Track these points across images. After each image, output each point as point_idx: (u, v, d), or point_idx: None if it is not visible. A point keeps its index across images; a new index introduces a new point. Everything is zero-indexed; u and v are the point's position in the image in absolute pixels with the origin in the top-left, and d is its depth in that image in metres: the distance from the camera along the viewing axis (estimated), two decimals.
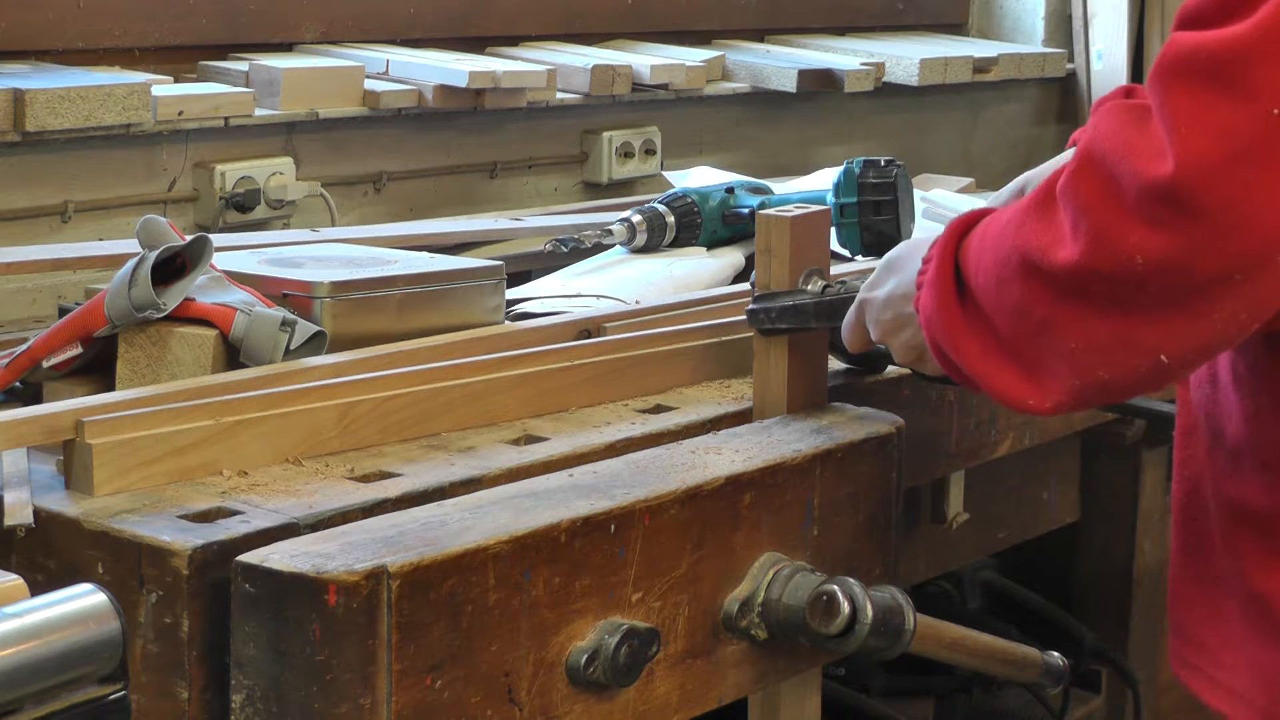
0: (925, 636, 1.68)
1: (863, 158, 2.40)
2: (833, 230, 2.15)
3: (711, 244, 2.38)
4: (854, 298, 1.66)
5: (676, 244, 2.36)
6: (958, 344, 1.43)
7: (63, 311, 1.76)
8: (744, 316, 1.78)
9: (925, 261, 1.48)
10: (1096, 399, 1.38)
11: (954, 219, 1.48)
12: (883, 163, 2.37)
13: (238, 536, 1.37)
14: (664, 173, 2.95)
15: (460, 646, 1.34)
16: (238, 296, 1.73)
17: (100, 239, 2.33)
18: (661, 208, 2.35)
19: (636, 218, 2.33)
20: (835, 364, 1.86)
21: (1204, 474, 1.54)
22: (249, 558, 1.32)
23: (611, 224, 2.33)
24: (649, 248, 2.33)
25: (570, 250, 2.28)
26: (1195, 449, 1.55)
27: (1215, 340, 1.30)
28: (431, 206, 2.75)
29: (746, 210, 2.37)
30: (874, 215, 2.35)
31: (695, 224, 2.36)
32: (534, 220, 2.56)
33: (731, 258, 2.36)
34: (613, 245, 2.33)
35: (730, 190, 2.41)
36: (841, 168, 2.39)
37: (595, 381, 1.78)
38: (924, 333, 1.48)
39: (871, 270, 1.78)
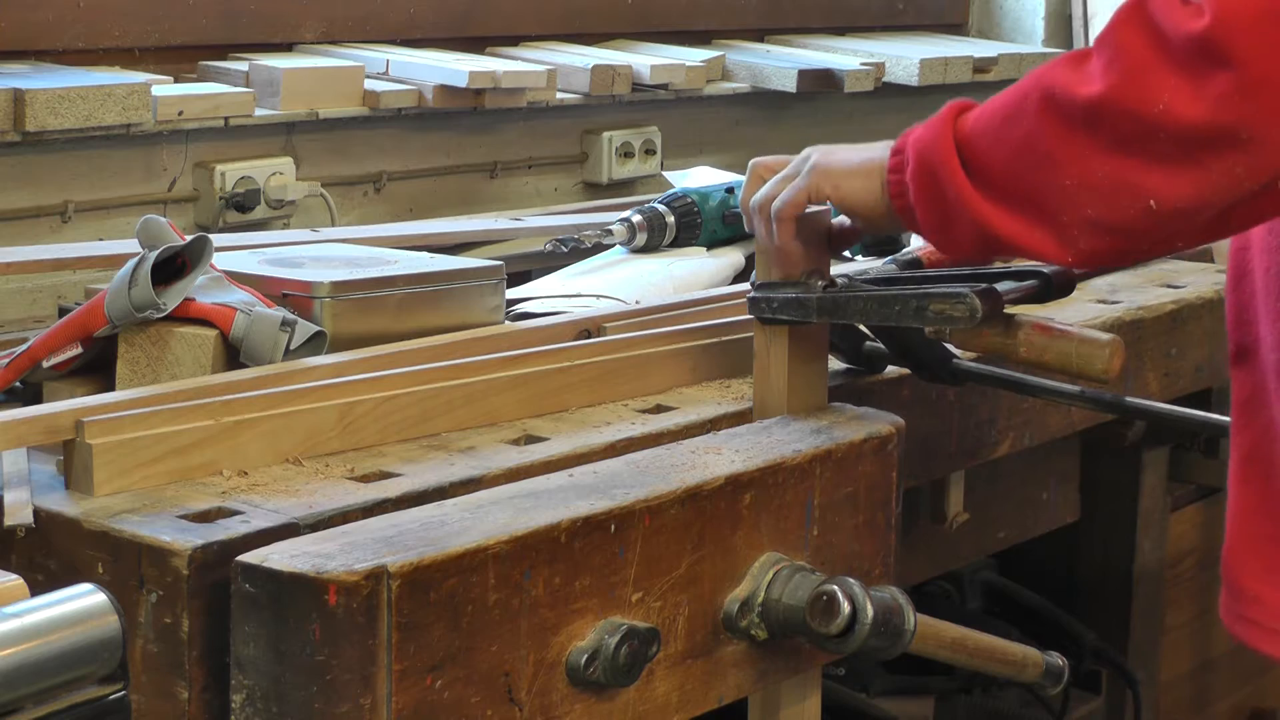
0: (925, 636, 1.68)
1: None
2: None
3: (711, 244, 2.38)
4: (859, 295, 1.66)
5: (676, 244, 2.36)
6: (950, 172, 1.52)
7: (63, 311, 1.76)
8: (744, 317, 1.78)
9: (910, 130, 1.58)
10: (1080, 243, 1.48)
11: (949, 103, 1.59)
12: None
13: (238, 536, 1.37)
14: (664, 173, 2.95)
15: (460, 646, 1.34)
16: (238, 296, 1.73)
17: (100, 239, 2.33)
18: (661, 208, 2.35)
19: (636, 218, 2.33)
20: (835, 364, 1.86)
21: (1275, 435, 1.60)
22: (249, 558, 1.32)
23: (611, 224, 2.33)
24: (649, 248, 2.33)
25: (570, 250, 2.28)
26: (1254, 414, 1.61)
27: (1207, 194, 1.41)
28: (431, 206, 2.75)
29: None
30: None
31: (695, 224, 2.36)
32: (534, 220, 2.56)
33: (731, 258, 2.36)
34: (613, 245, 2.33)
35: (730, 190, 2.41)
36: None
37: (595, 381, 1.78)
38: (910, 166, 1.55)
39: (869, 271, 1.79)
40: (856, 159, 1.64)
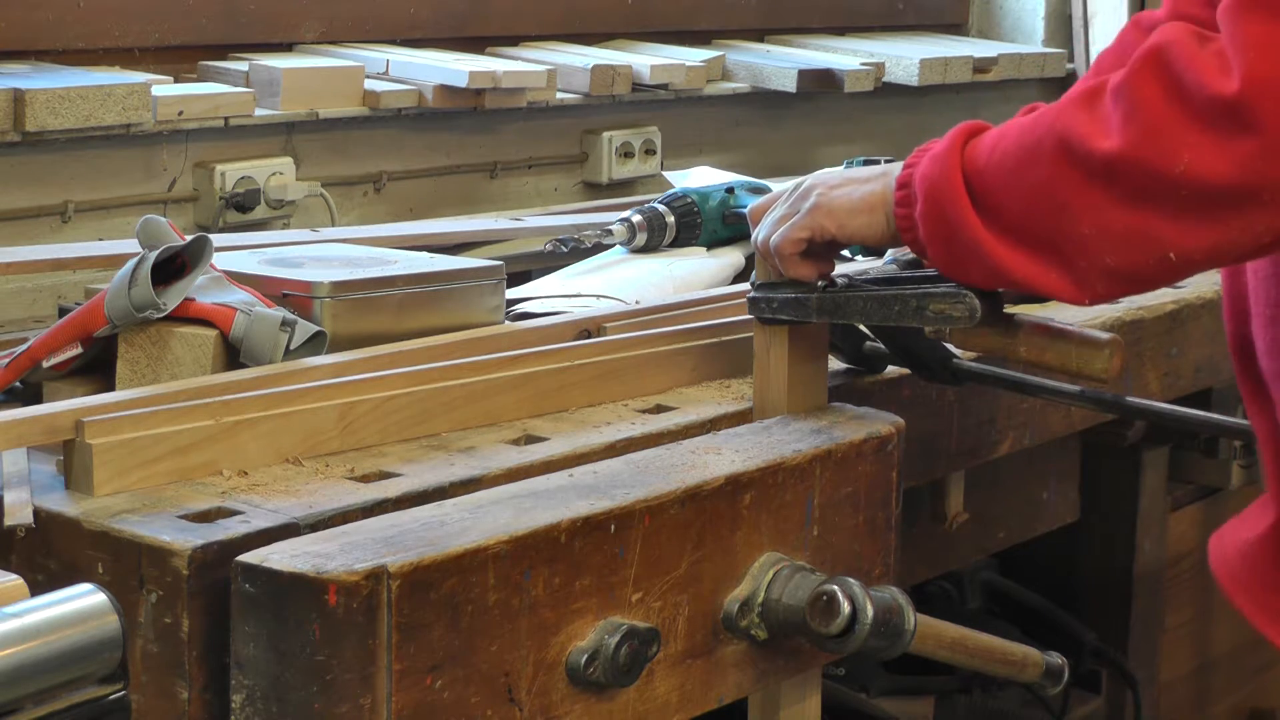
0: (925, 636, 1.68)
1: (862, 157, 2.40)
2: None
3: (711, 244, 2.38)
4: (859, 295, 1.65)
5: (676, 244, 2.36)
6: (961, 212, 1.51)
7: (63, 311, 1.76)
8: (744, 317, 1.78)
9: (919, 151, 1.56)
10: (1098, 288, 1.48)
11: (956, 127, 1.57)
12: (882, 163, 2.37)
13: (238, 536, 1.37)
14: (664, 173, 2.96)
15: (460, 646, 1.34)
16: (238, 296, 1.73)
17: (100, 239, 2.33)
18: (661, 208, 2.35)
19: (636, 218, 2.33)
20: (835, 364, 1.86)
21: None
22: (249, 558, 1.32)
23: (611, 224, 2.33)
24: (649, 248, 2.33)
25: (570, 250, 2.28)
26: (1264, 405, 1.63)
27: (1225, 249, 1.43)
28: (431, 206, 2.76)
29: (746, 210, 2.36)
30: None
31: (695, 224, 2.36)
32: (534, 220, 2.56)
33: (731, 258, 2.36)
34: (613, 245, 2.33)
35: (730, 190, 2.41)
36: (841, 168, 2.39)
37: (595, 381, 1.78)
38: (919, 204, 1.54)
39: (869, 271, 1.78)
40: (859, 194, 1.62)
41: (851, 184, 1.63)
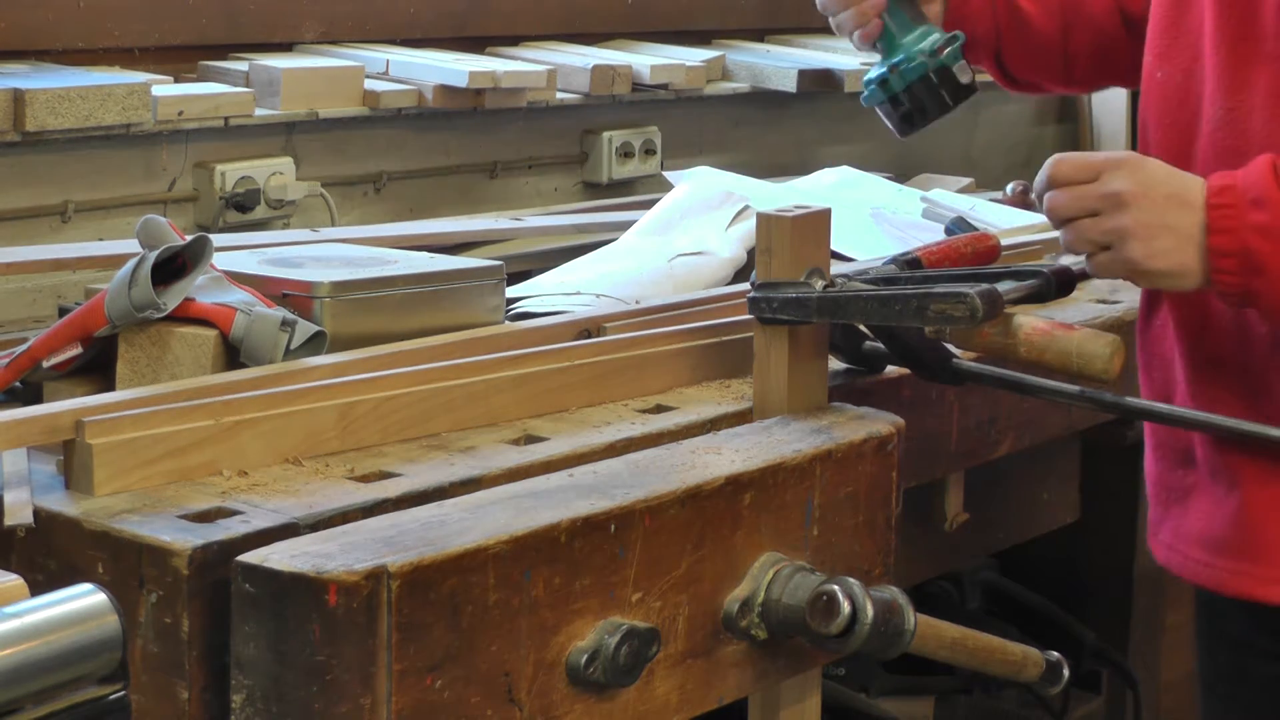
0: (925, 636, 1.67)
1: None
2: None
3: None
4: (859, 295, 1.65)
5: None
6: None
7: (63, 311, 1.76)
8: (744, 317, 1.78)
9: (1224, 215, 1.58)
10: None
11: (1257, 164, 1.58)
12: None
13: (238, 536, 1.37)
14: (664, 173, 2.96)
15: (460, 646, 1.34)
16: (238, 296, 1.73)
17: (100, 239, 2.33)
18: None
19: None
20: (835, 364, 1.86)
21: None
22: (249, 558, 1.32)
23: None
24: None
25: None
26: None
27: None
28: (431, 206, 2.76)
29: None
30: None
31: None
32: (534, 220, 2.56)
33: (732, 255, 2.35)
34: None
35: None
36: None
37: (595, 381, 1.78)
38: (1269, 274, 1.56)
39: (869, 271, 1.78)
40: (1174, 252, 1.61)
41: (1166, 234, 1.61)
